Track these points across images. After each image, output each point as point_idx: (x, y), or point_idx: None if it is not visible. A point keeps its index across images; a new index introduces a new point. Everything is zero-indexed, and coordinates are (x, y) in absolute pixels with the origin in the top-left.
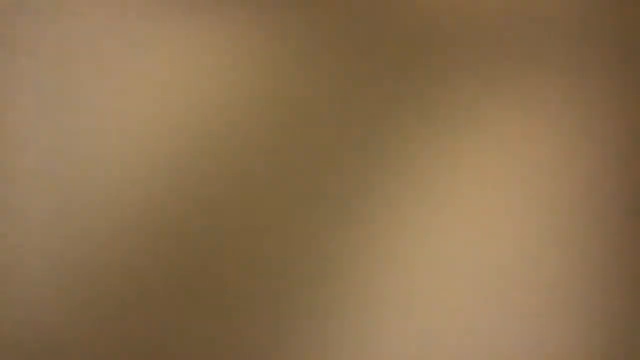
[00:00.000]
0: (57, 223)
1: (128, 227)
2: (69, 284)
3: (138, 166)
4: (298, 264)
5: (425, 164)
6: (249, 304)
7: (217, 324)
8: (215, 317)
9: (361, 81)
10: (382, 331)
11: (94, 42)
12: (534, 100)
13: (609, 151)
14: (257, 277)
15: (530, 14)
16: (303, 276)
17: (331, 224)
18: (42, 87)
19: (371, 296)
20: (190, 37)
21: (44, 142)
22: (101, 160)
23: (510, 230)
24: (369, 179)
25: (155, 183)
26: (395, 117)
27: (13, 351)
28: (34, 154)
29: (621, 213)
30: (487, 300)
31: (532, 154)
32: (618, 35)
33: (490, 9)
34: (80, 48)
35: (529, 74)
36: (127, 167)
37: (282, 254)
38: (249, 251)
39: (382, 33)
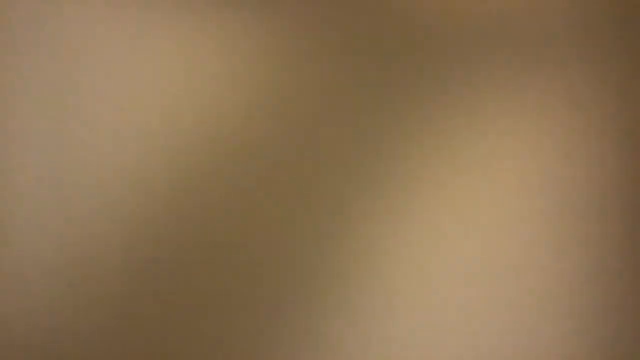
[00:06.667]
0: (56, 222)
1: (128, 225)
2: (69, 285)
3: (139, 164)
4: (303, 264)
5: (431, 164)
6: (252, 303)
7: (218, 325)
8: (217, 318)
9: (362, 82)
10: (389, 332)
11: (94, 41)
12: (535, 100)
13: (610, 151)
14: (261, 278)
15: (529, 13)
16: (308, 276)
17: (337, 223)
18: (42, 85)
19: (378, 297)
20: (191, 36)
21: (44, 140)
22: (101, 159)
23: (515, 232)
24: (375, 179)
25: (156, 182)
26: (400, 118)
27: (11, 352)
28: (33, 152)
29: (622, 213)
30: (490, 301)
31: (536, 154)
32: (618, 35)
33: (490, 9)
34: (80, 47)
35: (529, 74)
36: (128, 165)
37: (287, 253)
38: (253, 250)
39: (384, 33)
